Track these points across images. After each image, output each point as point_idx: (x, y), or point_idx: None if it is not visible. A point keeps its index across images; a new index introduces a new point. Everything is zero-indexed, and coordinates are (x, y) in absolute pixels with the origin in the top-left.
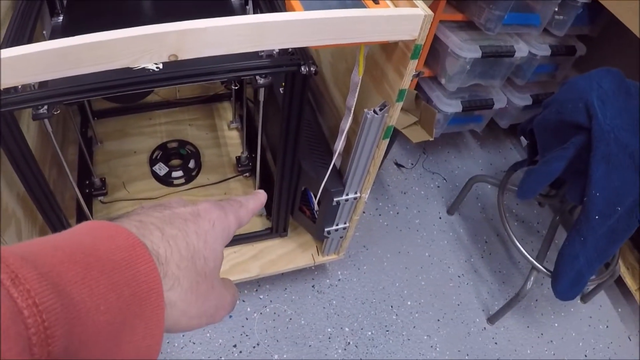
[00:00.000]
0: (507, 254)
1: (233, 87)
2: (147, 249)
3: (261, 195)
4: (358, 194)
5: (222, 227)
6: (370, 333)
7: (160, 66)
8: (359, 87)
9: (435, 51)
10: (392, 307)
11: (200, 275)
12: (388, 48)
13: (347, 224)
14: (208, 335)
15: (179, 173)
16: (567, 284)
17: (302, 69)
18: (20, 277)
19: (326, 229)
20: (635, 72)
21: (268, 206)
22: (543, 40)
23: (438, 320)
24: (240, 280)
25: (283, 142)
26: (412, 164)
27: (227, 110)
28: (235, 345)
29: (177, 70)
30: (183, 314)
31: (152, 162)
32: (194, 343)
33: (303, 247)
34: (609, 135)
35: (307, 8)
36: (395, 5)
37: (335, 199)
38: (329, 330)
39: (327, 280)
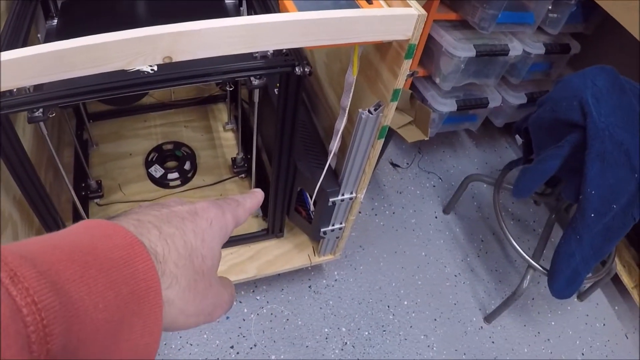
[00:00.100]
0: (504, 253)
1: (228, 89)
2: (145, 248)
3: (258, 194)
4: (354, 194)
5: (219, 225)
6: (367, 333)
7: (155, 68)
8: (353, 87)
9: (429, 51)
10: (388, 306)
11: (198, 274)
12: (382, 48)
13: (343, 224)
14: (205, 336)
15: (175, 175)
16: (564, 282)
17: (297, 69)
18: (19, 275)
19: (322, 230)
20: (629, 70)
21: (264, 207)
22: (537, 39)
23: (435, 319)
24: (237, 281)
25: (278, 142)
26: (408, 164)
27: (222, 112)
28: (232, 347)
29: (171, 72)
30: (181, 312)
31: (148, 164)
32: (191, 344)
33: (299, 247)
34: (603, 133)
35: (300, 9)
36: (389, 5)
37: (331, 199)
38: (326, 330)
39: (324, 281)
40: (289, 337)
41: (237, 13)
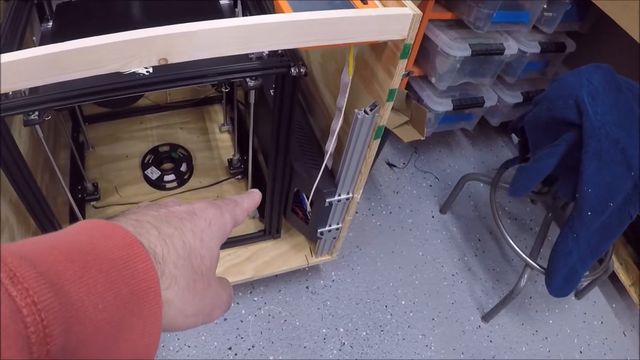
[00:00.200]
0: (501, 252)
1: (224, 90)
2: (144, 248)
3: (256, 195)
4: (350, 195)
5: (218, 225)
6: (365, 333)
7: (151, 70)
8: (349, 88)
9: (425, 50)
10: (386, 306)
11: (197, 274)
12: (377, 48)
13: (340, 225)
14: (203, 338)
15: (171, 177)
16: (561, 281)
17: (292, 70)
18: (18, 275)
19: (319, 230)
20: (625, 68)
21: (261, 208)
22: (532, 38)
23: (432, 319)
24: (234, 282)
25: (274, 143)
26: (404, 164)
27: (218, 113)
28: (230, 348)
29: (167, 74)
30: (180, 312)
31: (144, 166)
32: (189, 346)
33: (296, 248)
34: (599, 131)
35: (295, 9)
36: (384, 5)
37: (327, 200)
38: (324, 331)
39: (321, 281)
40: (287, 338)
41: (232, 14)
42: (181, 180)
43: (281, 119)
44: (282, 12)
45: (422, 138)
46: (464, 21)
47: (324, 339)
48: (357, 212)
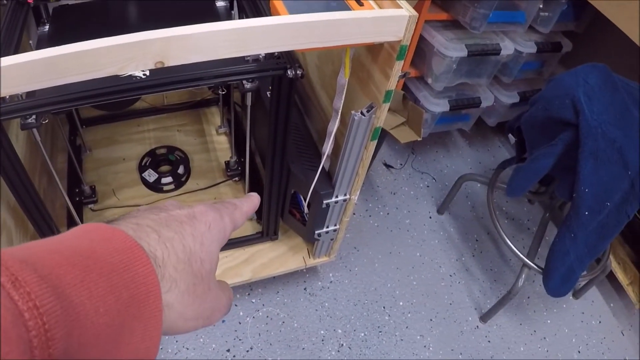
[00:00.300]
0: (498, 252)
1: (220, 92)
2: (144, 252)
3: (254, 198)
4: (347, 196)
5: (218, 229)
6: (363, 334)
7: (147, 73)
8: (345, 89)
9: (421, 51)
10: (384, 307)
11: (197, 278)
12: (374, 49)
13: (338, 226)
14: (201, 340)
15: (169, 179)
16: (559, 281)
17: (289, 72)
18: (20, 279)
19: (316, 232)
20: (621, 67)
21: (258, 210)
22: (529, 38)
23: (431, 319)
24: (232, 284)
25: (271, 145)
26: (401, 165)
27: (215, 115)
28: (228, 350)
29: (164, 77)
30: (180, 316)
31: (142, 168)
32: (187, 349)
33: (294, 250)
34: (596, 131)
35: (291, 11)
36: (380, 7)
37: (324, 202)
38: (322, 332)
39: (319, 283)
40: (285, 340)
41: (229, 16)
42: (178, 182)
43: (278, 120)
44: (278, 14)
45: (419, 139)
46: (460, 22)
47: (322, 340)
48: (354, 214)
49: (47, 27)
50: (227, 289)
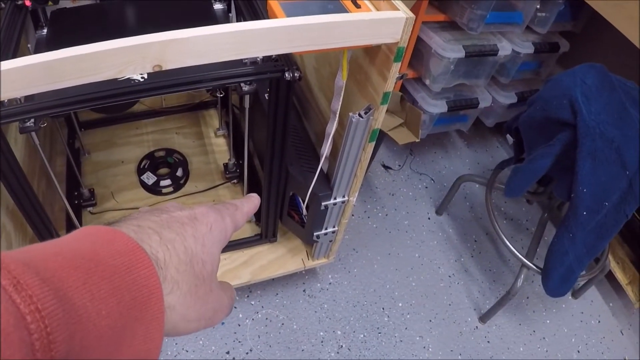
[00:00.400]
0: (497, 253)
1: (218, 95)
2: (146, 254)
3: (254, 199)
4: (346, 198)
5: (219, 230)
6: (362, 335)
7: (145, 76)
8: (343, 91)
9: (418, 52)
10: (383, 309)
11: (199, 279)
12: (371, 51)
13: (336, 228)
14: (201, 342)
15: (167, 182)
16: (558, 281)
17: (286, 74)
18: (22, 283)
19: (315, 233)
20: (619, 67)
21: (257, 212)
22: (526, 38)
23: (430, 320)
24: None
25: (270, 147)
26: (400, 166)
27: (213, 118)
28: (228, 352)
29: (162, 80)
30: (182, 317)
31: (140, 171)
32: (187, 351)
33: (293, 251)
34: (594, 131)
35: (288, 14)
36: (377, 8)
37: (323, 203)
38: (322, 334)
39: (318, 284)
40: (285, 342)
41: (226, 18)
42: (177, 185)
43: (276, 123)
44: (275, 16)
45: (417, 140)
46: (457, 23)
47: (322, 341)
48: (353, 215)
49: (45, 31)
50: (228, 290)
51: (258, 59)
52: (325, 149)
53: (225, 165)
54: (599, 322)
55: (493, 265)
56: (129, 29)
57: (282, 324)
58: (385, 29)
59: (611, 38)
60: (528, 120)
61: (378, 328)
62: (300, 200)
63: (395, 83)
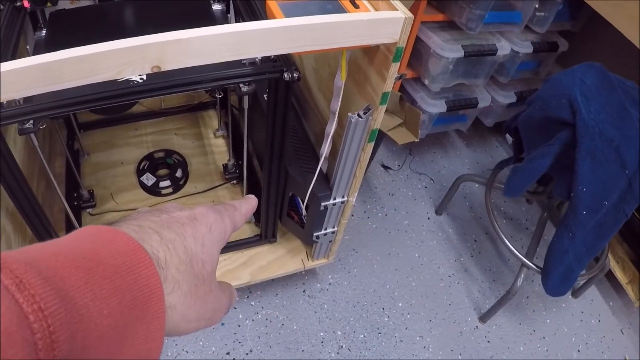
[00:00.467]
0: (497, 252)
1: (217, 96)
2: (147, 254)
3: (253, 200)
4: (345, 198)
5: (218, 230)
6: (362, 336)
7: (144, 77)
8: (342, 92)
9: (417, 52)
10: (383, 309)
11: (199, 279)
12: (370, 52)
13: (336, 228)
14: (201, 343)
15: (167, 183)
16: (557, 280)
17: (285, 75)
18: (24, 282)
19: (315, 234)
20: (618, 66)
21: (256, 213)
22: (525, 38)
23: (430, 320)
24: None
25: (269, 148)
26: (399, 166)
27: (212, 119)
28: (228, 353)
29: (161, 81)
30: (182, 317)
31: (140, 172)
32: (187, 352)
33: (293, 252)
34: (593, 130)
35: (287, 14)
36: (375, 8)
37: (322, 204)
38: (322, 334)
39: (318, 285)
40: (285, 342)
41: (225, 19)
42: (177, 186)
43: (275, 123)
44: (274, 17)
45: (417, 140)
46: (456, 22)
47: (322, 342)
48: (352, 215)
49: (44, 32)
50: (227, 289)
51: (257, 60)
52: (325, 149)
53: (225, 166)
54: (599, 321)
55: (493, 265)
56: (127, 30)
57: (282, 324)
58: (383, 29)
59: (610, 38)
60: (527, 120)
61: (378, 328)
62: (300, 201)
63: (394, 83)
